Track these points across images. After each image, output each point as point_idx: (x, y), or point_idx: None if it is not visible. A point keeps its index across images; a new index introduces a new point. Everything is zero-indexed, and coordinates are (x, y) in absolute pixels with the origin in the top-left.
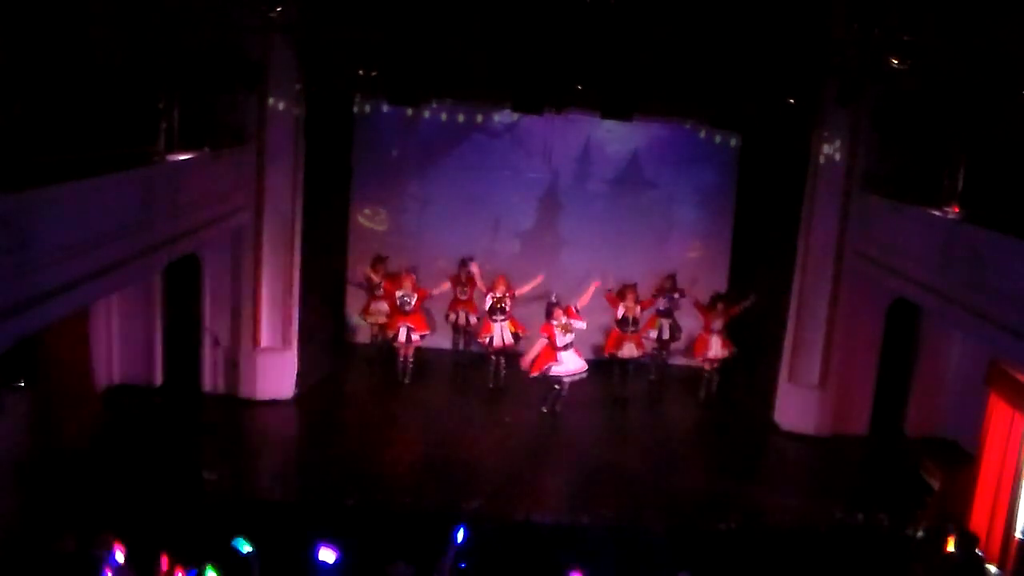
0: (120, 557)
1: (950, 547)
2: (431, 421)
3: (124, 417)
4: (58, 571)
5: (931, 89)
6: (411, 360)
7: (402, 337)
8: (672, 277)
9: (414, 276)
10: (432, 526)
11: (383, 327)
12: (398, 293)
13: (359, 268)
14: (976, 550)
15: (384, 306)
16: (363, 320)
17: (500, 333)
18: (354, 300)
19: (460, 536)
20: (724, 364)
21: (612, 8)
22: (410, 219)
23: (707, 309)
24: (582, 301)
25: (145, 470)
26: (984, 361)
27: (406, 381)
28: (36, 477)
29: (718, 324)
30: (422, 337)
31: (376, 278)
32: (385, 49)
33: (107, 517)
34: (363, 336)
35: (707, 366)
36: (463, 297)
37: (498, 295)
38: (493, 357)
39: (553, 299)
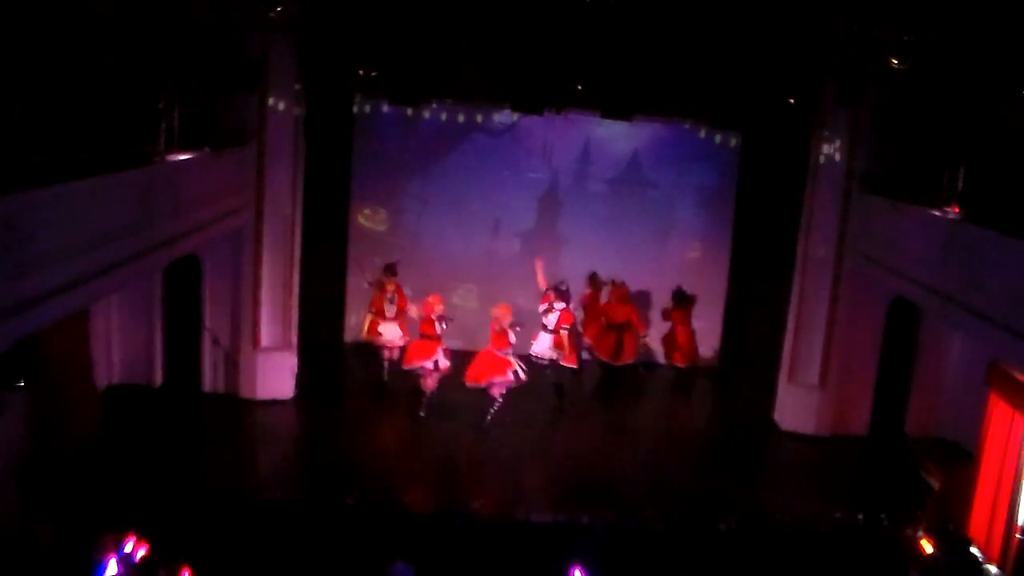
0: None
1: (927, 549)
2: (431, 421)
3: (124, 417)
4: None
5: (931, 89)
6: (435, 393)
7: (430, 365)
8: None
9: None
10: (432, 526)
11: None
12: (433, 315)
13: (369, 282)
14: (971, 550)
15: (396, 328)
16: (372, 340)
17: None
18: (354, 300)
19: None
20: (694, 368)
21: (612, 8)
22: (410, 219)
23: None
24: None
25: (145, 470)
26: (984, 361)
27: (422, 414)
28: (36, 477)
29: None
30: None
31: (388, 291)
32: (385, 49)
33: (107, 517)
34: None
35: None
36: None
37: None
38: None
39: (563, 286)
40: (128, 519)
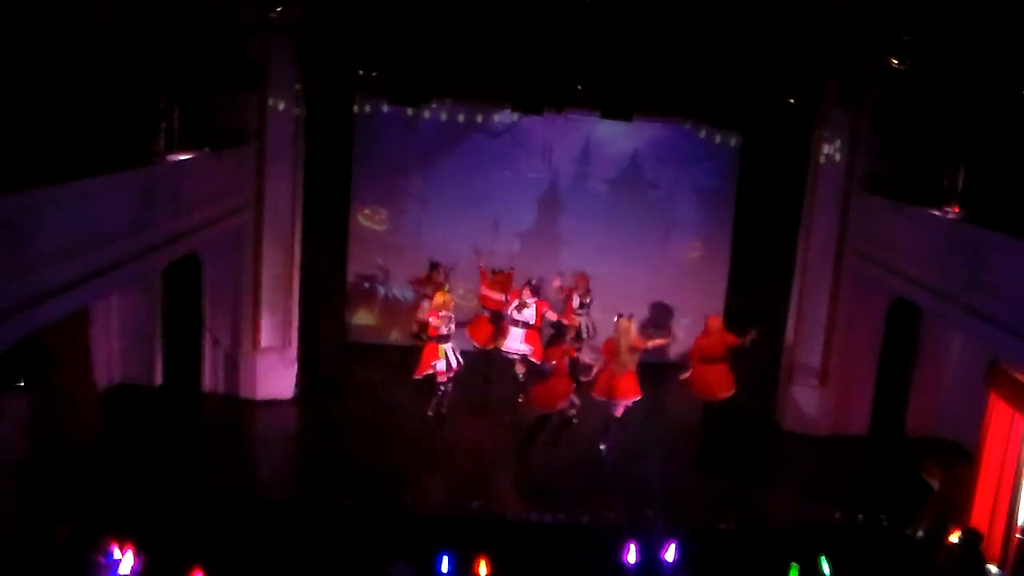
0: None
1: (953, 538)
2: (431, 421)
3: (124, 417)
4: (52, 562)
5: (931, 89)
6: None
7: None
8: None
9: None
10: (432, 526)
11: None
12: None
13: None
14: (979, 548)
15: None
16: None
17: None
18: (354, 300)
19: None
20: None
21: (612, 8)
22: (410, 219)
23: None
24: None
25: (145, 470)
26: (984, 361)
27: (429, 413)
28: (36, 477)
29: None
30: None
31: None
32: (385, 49)
33: (107, 517)
34: (364, 336)
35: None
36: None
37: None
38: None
39: (534, 281)
40: (127, 520)
